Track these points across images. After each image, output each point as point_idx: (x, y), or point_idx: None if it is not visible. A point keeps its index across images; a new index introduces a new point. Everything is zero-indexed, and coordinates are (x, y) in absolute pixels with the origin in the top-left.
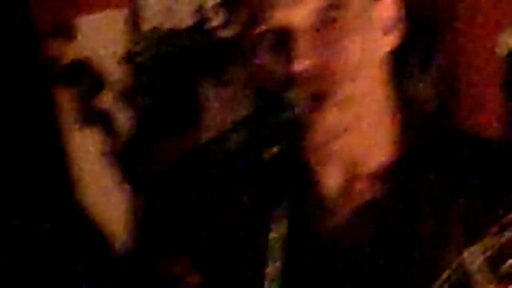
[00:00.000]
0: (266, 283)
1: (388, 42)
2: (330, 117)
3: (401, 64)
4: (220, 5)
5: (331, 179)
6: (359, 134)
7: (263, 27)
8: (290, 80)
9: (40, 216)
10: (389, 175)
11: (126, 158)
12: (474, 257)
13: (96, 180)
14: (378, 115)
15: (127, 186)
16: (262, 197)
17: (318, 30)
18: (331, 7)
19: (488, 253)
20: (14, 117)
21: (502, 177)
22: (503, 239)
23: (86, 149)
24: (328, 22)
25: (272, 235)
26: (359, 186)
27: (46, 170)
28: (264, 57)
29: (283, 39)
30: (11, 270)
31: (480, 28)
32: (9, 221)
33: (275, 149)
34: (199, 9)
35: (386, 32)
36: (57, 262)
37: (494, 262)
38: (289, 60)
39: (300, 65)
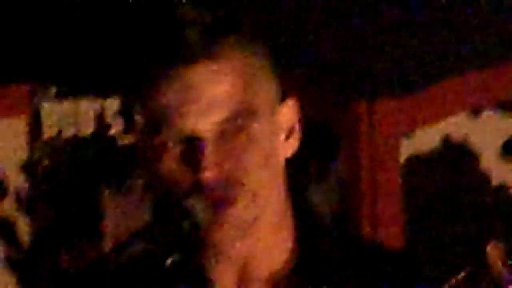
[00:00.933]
0: None
1: (289, 146)
2: (231, 222)
3: (300, 170)
4: (120, 113)
5: (226, 281)
6: (256, 239)
7: (167, 135)
8: (195, 188)
9: None
10: (285, 281)
11: (28, 266)
12: None
13: None
14: (276, 222)
15: None
16: None
17: (224, 139)
18: (237, 116)
19: None
20: None
21: None
22: None
23: None
24: (235, 130)
25: None
26: (256, 287)
27: None
28: (168, 165)
29: (189, 148)
30: None
31: (381, 138)
32: None
33: (175, 257)
34: (99, 116)
35: (287, 136)
36: None
37: None
38: (195, 169)
39: (208, 174)
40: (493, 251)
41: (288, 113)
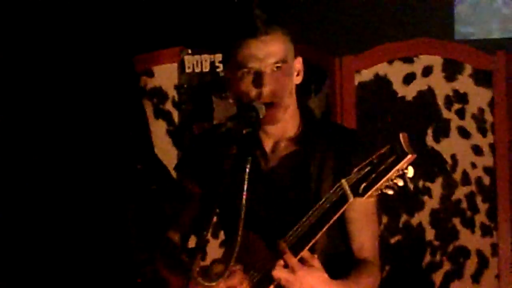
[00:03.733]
0: None
1: (298, 79)
2: (274, 113)
3: (307, 89)
4: (221, 61)
5: (268, 143)
6: (283, 121)
7: (246, 70)
8: (258, 96)
9: None
10: (296, 140)
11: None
12: None
13: None
14: (292, 113)
15: None
16: (242, 152)
17: (273, 72)
18: (278, 62)
19: None
20: None
21: None
22: None
23: None
24: (276, 69)
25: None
26: (282, 145)
27: None
28: (245, 85)
29: (257, 76)
30: None
31: (345, 73)
32: None
33: (247, 130)
34: (212, 62)
35: (298, 74)
36: None
37: None
38: (259, 86)
39: (263, 88)
40: (404, 137)
41: (298, 63)
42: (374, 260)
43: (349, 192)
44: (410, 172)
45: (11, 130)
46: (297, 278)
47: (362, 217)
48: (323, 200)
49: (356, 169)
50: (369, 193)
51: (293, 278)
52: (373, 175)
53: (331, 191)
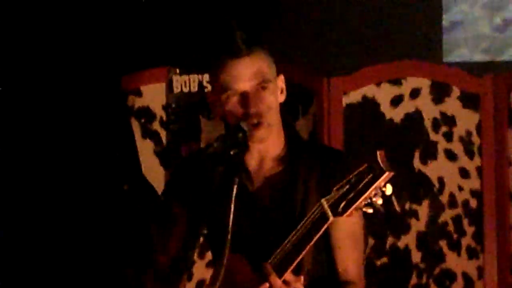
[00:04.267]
0: None
1: (282, 97)
2: (260, 133)
3: (295, 111)
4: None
5: (253, 163)
6: (268, 140)
7: (230, 92)
8: (244, 117)
9: None
10: (281, 160)
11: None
12: None
13: None
14: (277, 133)
15: None
16: (230, 168)
17: (258, 93)
18: (262, 82)
19: None
20: None
21: None
22: None
23: None
24: (261, 88)
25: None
26: (266, 164)
27: None
28: (230, 107)
29: (242, 97)
30: None
31: (333, 95)
32: None
33: (234, 151)
34: (200, 82)
35: (281, 92)
36: None
37: None
38: (245, 107)
39: (250, 109)
40: (381, 155)
41: (281, 81)
42: (359, 283)
43: (328, 211)
44: (389, 190)
45: None
46: None
47: (348, 239)
48: (304, 220)
49: (335, 188)
50: (349, 211)
51: None
52: (352, 194)
53: (311, 211)
